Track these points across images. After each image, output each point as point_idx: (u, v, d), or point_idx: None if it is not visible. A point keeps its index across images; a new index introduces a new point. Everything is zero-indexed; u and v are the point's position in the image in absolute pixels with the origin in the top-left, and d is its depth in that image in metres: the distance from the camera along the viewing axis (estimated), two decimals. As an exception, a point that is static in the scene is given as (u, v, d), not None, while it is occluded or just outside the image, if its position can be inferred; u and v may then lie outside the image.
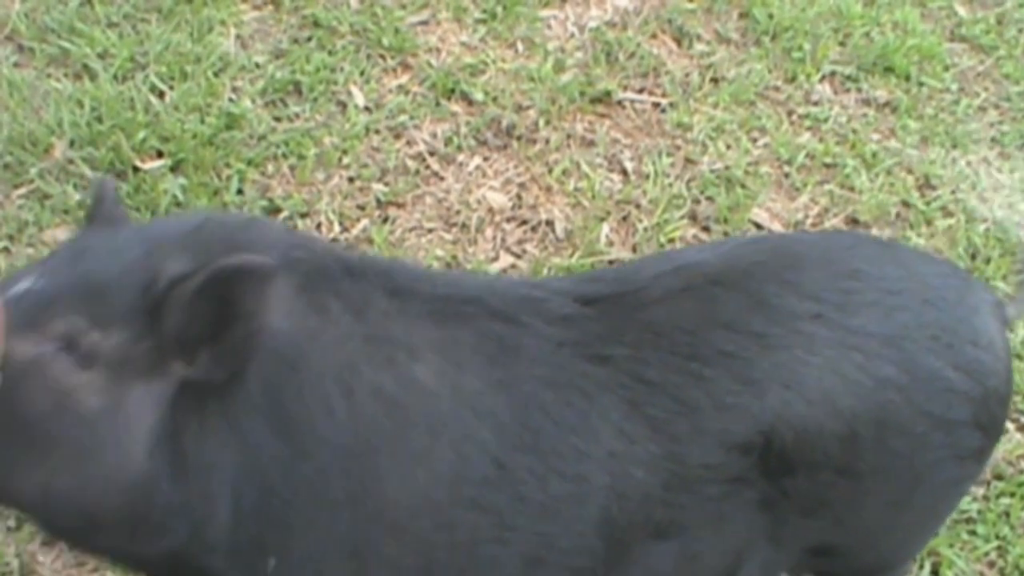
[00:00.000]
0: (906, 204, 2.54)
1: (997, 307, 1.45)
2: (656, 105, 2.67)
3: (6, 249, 2.23)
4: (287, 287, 1.18)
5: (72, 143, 2.38)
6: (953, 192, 2.58)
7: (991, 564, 1.98)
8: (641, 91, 2.70)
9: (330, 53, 2.65)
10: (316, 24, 2.71)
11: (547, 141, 2.55)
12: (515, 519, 1.24)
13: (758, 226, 2.44)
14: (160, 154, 2.39)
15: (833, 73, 2.80)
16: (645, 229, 2.39)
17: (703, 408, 1.26)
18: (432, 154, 2.51)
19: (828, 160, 2.59)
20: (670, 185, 2.49)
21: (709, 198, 2.48)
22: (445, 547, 1.24)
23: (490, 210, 2.42)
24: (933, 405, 1.32)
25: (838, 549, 1.44)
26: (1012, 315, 1.56)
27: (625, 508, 1.26)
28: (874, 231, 2.47)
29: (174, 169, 2.37)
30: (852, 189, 2.54)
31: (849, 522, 1.38)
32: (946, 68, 2.86)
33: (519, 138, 2.56)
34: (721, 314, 1.29)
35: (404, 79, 2.65)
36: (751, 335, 1.28)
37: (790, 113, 2.70)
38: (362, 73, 2.63)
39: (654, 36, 2.82)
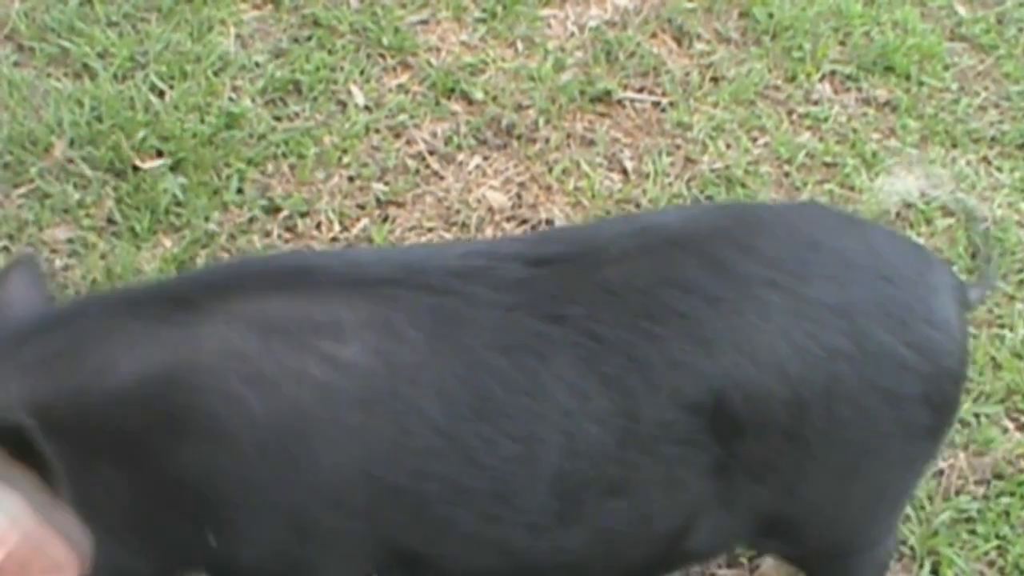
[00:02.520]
0: (906, 203, 2.54)
1: (957, 289, 1.46)
2: (656, 104, 2.67)
3: (6, 248, 2.23)
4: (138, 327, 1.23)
5: (72, 142, 2.38)
6: (953, 191, 2.58)
7: (991, 563, 1.98)
8: (641, 90, 2.70)
9: (330, 52, 2.65)
10: (316, 23, 2.71)
11: (547, 140, 2.55)
12: (466, 482, 1.27)
13: (758, 225, 2.44)
14: (160, 153, 2.39)
15: (833, 72, 2.80)
16: (645, 228, 2.38)
17: (655, 365, 1.28)
18: (432, 153, 2.51)
19: (828, 159, 2.59)
20: (670, 184, 2.49)
21: (709, 197, 2.48)
22: (391, 511, 1.28)
23: (490, 209, 2.42)
24: (883, 379, 1.33)
25: (789, 523, 1.45)
26: (974, 298, 1.57)
27: (578, 465, 1.28)
28: (874, 230, 2.47)
29: (174, 168, 2.37)
30: (852, 188, 2.54)
31: (797, 492, 1.40)
32: (946, 67, 2.85)
33: (519, 137, 2.56)
34: (677, 275, 1.31)
35: (404, 78, 2.65)
36: (705, 298, 1.29)
37: (790, 112, 2.70)
38: (362, 72, 2.63)
39: (654, 35, 2.82)
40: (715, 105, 2.67)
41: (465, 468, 1.26)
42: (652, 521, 1.36)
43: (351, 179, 2.44)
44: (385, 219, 2.37)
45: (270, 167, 2.43)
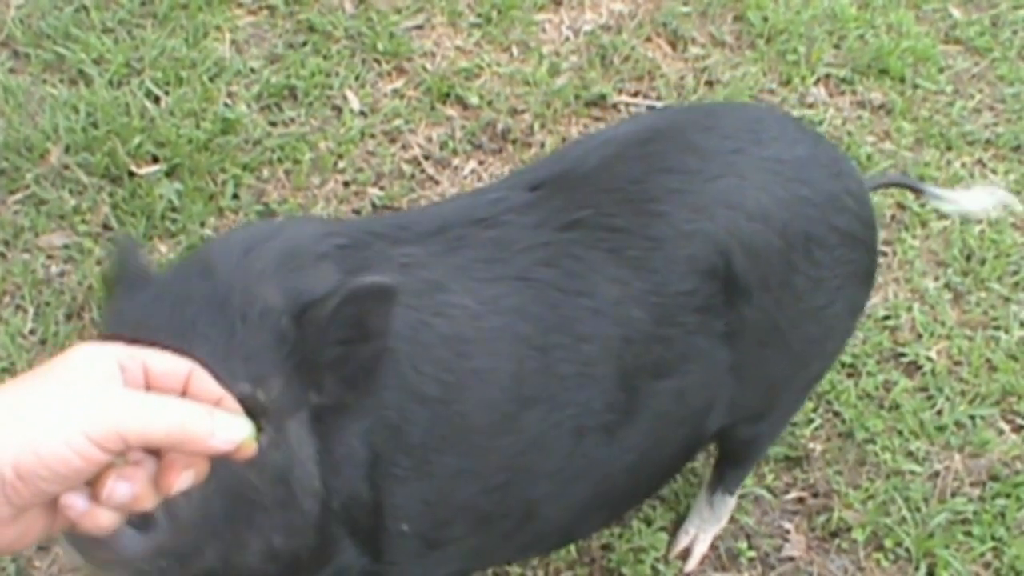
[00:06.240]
0: (901, 206, 2.54)
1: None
2: (651, 108, 2.67)
3: (2, 255, 2.23)
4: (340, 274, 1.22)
5: (68, 148, 2.39)
6: (948, 194, 2.58)
7: (987, 565, 1.98)
8: (636, 94, 2.70)
9: (325, 58, 2.65)
10: (311, 29, 2.71)
11: (542, 144, 2.55)
12: (561, 397, 1.34)
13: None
14: (156, 159, 2.39)
15: (828, 76, 2.81)
16: (640, 232, 2.39)
17: (670, 239, 1.39)
18: (427, 158, 2.52)
19: (823, 162, 2.59)
20: (665, 188, 2.49)
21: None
22: (519, 452, 1.34)
23: (485, 214, 2.42)
24: (839, 220, 1.48)
25: (777, 385, 1.59)
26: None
27: (634, 351, 1.37)
28: (869, 233, 2.48)
29: (170, 174, 2.37)
30: (847, 191, 2.54)
31: (790, 348, 1.52)
32: (941, 70, 2.86)
33: (514, 142, 2.56)
34: (659, 162, 1.43)
35: (399, 83, 2.66)
36: (690, 172, 1.42)
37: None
38: (357, 78, 2.64)
39: (648, 39, 2.83)
40: (710, 109, 2.68)
41: (558, 383, 1.34)
42: (688, 396, 1.45)
43: (346, 184, 2.44)
44: (381, 224, 2.37)
45: (266, 172, 2.43)
